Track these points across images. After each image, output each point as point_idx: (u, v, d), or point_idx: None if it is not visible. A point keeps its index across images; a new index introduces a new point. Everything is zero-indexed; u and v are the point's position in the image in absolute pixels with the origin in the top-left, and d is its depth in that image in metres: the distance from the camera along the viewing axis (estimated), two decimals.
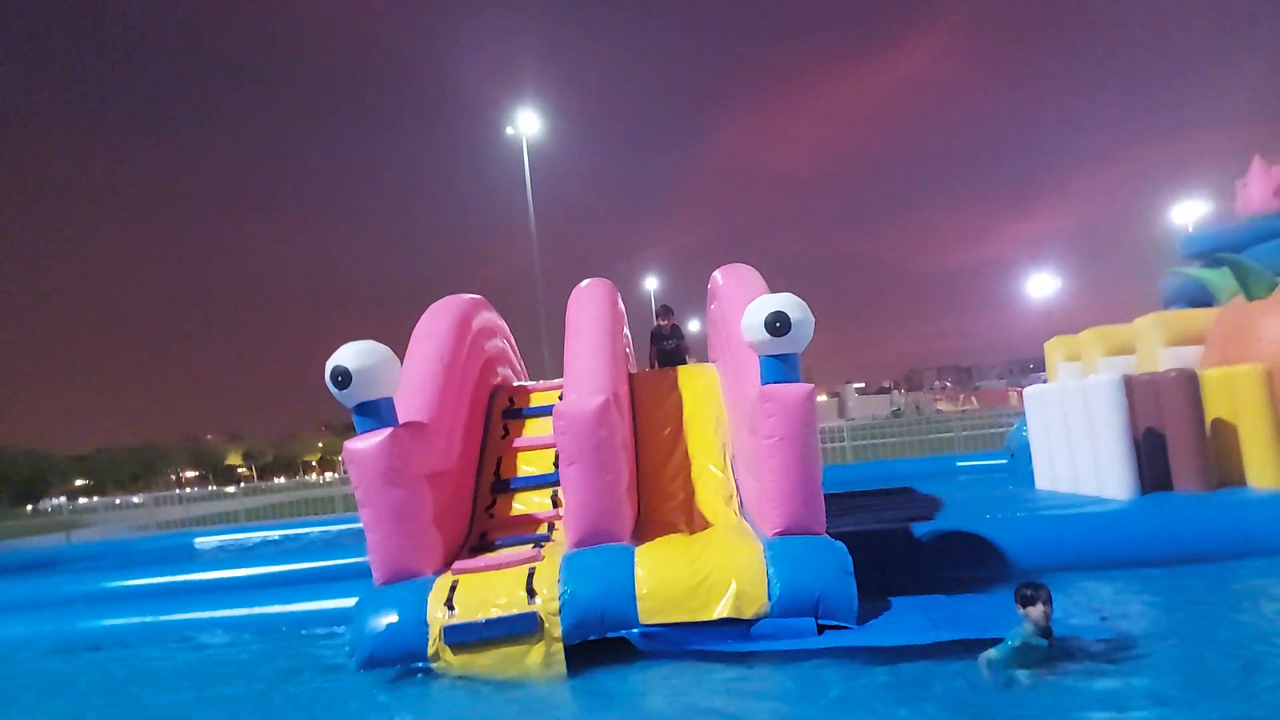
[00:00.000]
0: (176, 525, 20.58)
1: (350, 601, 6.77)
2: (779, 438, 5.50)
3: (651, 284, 50.51)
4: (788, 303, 5.63)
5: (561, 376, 9.53)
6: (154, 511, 21.44)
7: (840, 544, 5.48)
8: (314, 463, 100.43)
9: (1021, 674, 4.28)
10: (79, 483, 78.39)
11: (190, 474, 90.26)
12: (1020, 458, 12.94)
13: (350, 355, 5.59)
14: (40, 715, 5.58)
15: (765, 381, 5.65)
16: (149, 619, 7.29)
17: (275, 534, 13.68)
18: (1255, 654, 4.43)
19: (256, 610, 7.11)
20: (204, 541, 13.86)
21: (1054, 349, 13.00)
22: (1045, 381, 10.61)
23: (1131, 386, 7.79)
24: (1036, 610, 4.40)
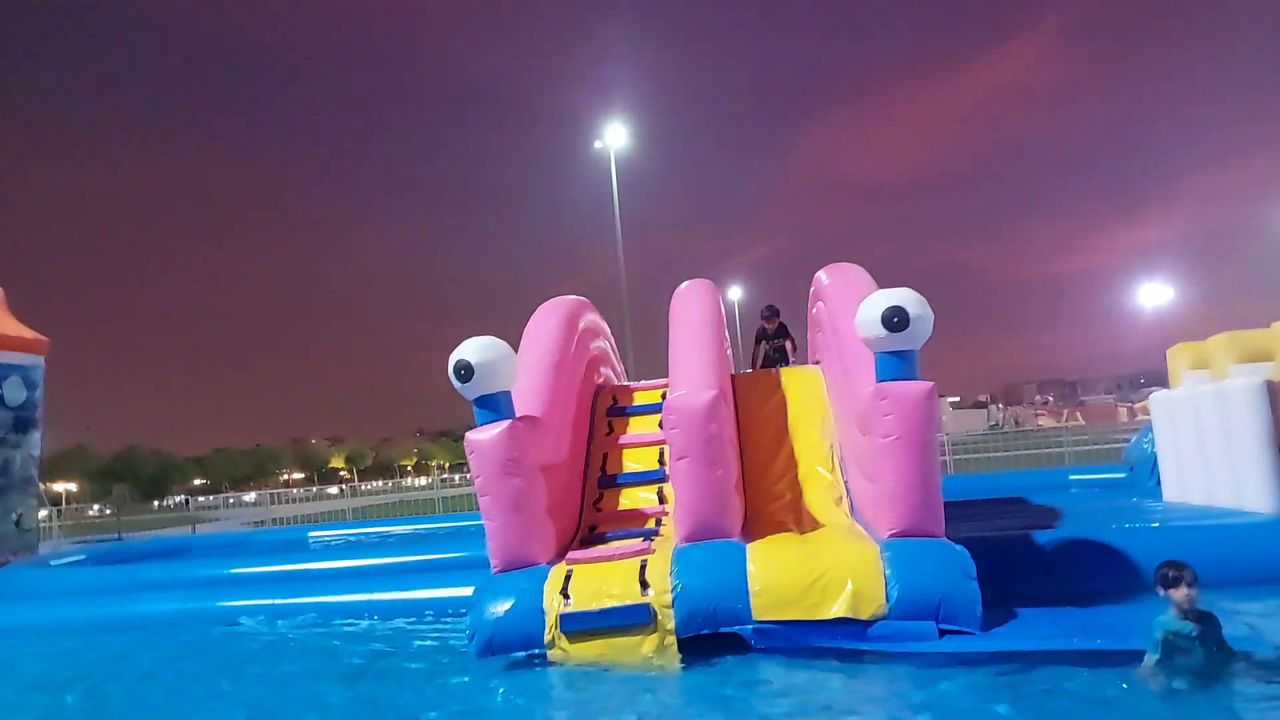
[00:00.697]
0: (288, 521, 21.66)
1: (458, 591, 7.02)
2: (896, 437, 5.37)
3: (736, 293, 50.13)
4: (906, 297, 5.51)
5: (648, 379, 9.65)
6: (268, 509, 22.59)
7: (961, 547, 5.31)
8: (409, 467, 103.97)
9: (1180, 680, 4.01)
10: (197, 481, 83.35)
11: (297, 475, 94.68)
12: (1140, 471, 12.21)
13: (473, 350, 5.78)
14: (178, 680, 5.92)
15: (881, 379, 5.53)
16: (274, 601, 7.66)
17: (382, 530, 14.22)
18: None
19: (374, 597, 7.37)
20: (317, 536, 14.50)
21: (1178, 356, 12.24)
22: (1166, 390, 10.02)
23: (1275, 392, 7.28)
24: (1180, 592, 4.06)
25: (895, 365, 5.51)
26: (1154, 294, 61.01)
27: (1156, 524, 7.08)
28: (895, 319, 5.41)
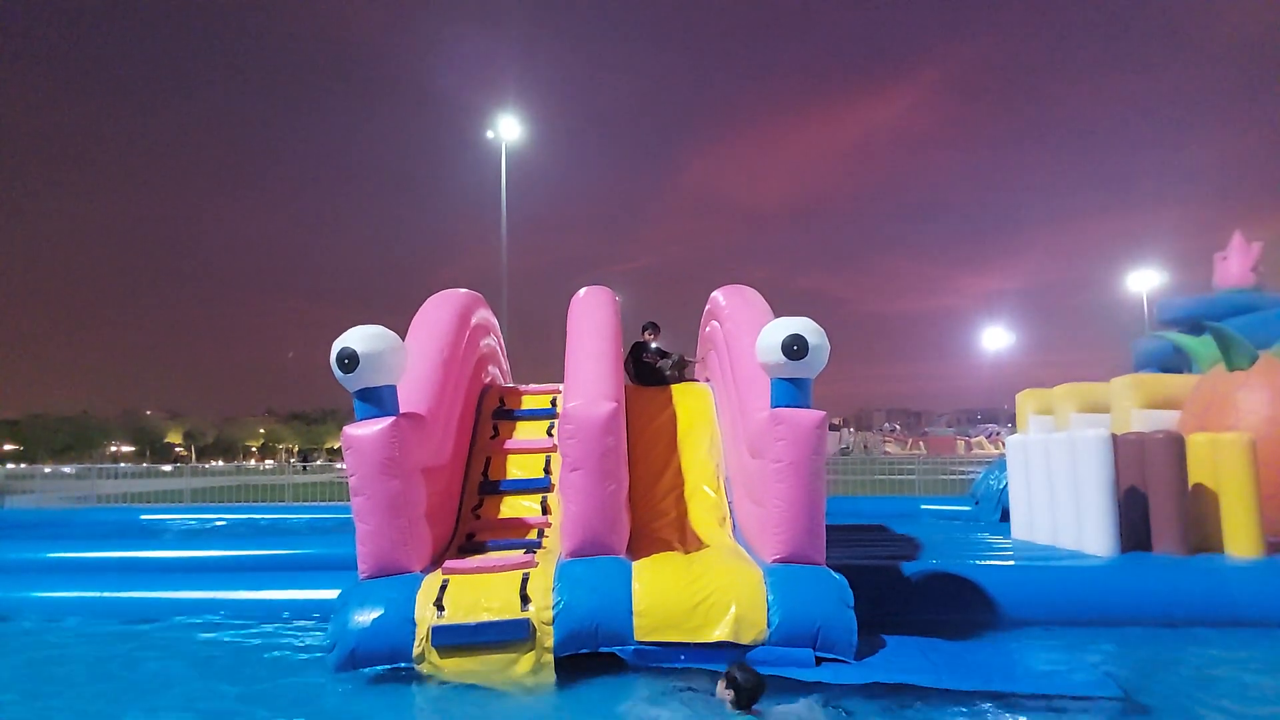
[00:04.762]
0: (116, 500, 19.81)
1: (319, 594, 6.56)
2: (787, 462, 5.42)
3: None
4: (806, 327, 5.58)
5: (523, 380, 9.41)
6: (94, 484, 20.61)
7: (841, 576, 5.40)
8: (255, 449, 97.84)
9: None
10: (8, 448, 75.33)
11: (127, 449, 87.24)
12: (985, 505, 13.08)
13: (359, 338, 5.38)
14: None
15: (776, 404, 5.57)
16: (101, 595, 6.92)
17: (226, 518, 13.20)
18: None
19: (220, 595, 6.78)
20: (151, 519, 13.31)
21: (1026, 401, 13.21)
22: (998, 434, 10.76)
23: (1117, 444, 7.88)
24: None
25: (791, 392, 5.57)
26: (996, 338, 66.41)
27: (1012, 562, 7.49)
28: (795, 347, 5.46)
